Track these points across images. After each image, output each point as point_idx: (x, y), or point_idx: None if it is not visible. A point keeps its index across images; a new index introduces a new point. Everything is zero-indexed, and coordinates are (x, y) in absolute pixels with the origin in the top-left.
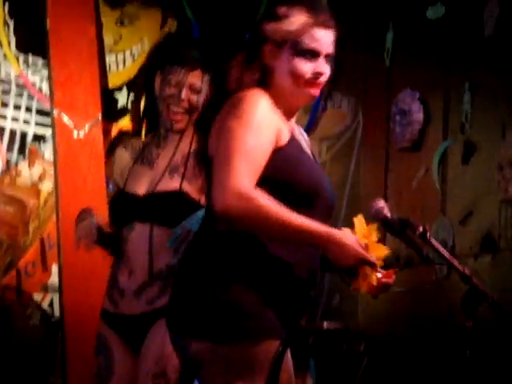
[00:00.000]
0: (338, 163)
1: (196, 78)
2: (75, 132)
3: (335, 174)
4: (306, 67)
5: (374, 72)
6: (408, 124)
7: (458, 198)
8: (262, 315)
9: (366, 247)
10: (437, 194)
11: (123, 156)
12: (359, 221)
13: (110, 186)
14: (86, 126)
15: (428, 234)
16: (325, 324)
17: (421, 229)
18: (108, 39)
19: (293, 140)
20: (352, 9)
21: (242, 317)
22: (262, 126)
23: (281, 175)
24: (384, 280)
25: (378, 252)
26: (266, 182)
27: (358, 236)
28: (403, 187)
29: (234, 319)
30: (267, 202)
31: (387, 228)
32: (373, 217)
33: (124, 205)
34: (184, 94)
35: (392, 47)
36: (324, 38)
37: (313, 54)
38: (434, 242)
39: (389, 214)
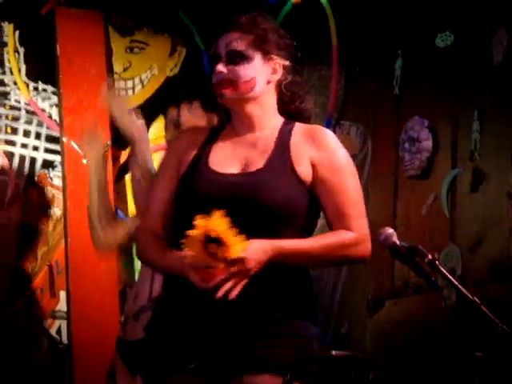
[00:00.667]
0: None
1: (173, 114)
2: (84, 159)
3: None
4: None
5: (383, 99)
6: (417, 151)
7: (466, 225)
8: None
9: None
10: (446, 221)
11: None
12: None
13: (119, 213)
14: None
15: (437, 262)
16: (333, 352)
17: (430, 256)
18: (117, 66)
19: None
20: (361, 36)
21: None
22: None
23: None
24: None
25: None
26: None
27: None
28: (412, 215)
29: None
30: None
31: (396, 255)
32: (381, 244)
33: None
34: (167, 135)
35: (401, 75)
36: (221, 42)
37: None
38: (442, 269)
39: (398, 242)
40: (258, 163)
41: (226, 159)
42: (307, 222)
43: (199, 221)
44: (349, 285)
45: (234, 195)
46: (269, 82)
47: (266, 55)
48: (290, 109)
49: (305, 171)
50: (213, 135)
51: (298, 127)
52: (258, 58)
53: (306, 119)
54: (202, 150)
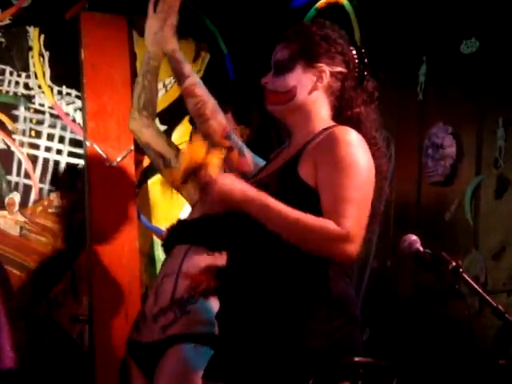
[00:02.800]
0: None
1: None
2: (107, 163)
3: None
4: None
5: (407, 105)
6: (440, 158)
7: (490, 232)
8: None
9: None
10: (469, 228)
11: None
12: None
13: (142, 218)
14: (119, 156)
15: (460, 269)
16: (355, 358)
17: (453, 263)
18: None
19: None
20: (385, 42)
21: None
22: None
23: None
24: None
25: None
26: None
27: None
28: (435, 221)
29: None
30: None
31: (419, 262)
32: (404, 251)
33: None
34: None
35: (425, 81)
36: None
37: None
38: (466, 277)
39: (421, 248)
40: (266, 173)
41: (260, 175)
42: None
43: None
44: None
45: None
46: (313, 90)
47: (310, 63)
48: (345, 115)
49: (306, 171)
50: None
51: (331, 129)
52: (300, 67)
53: (357, 125)
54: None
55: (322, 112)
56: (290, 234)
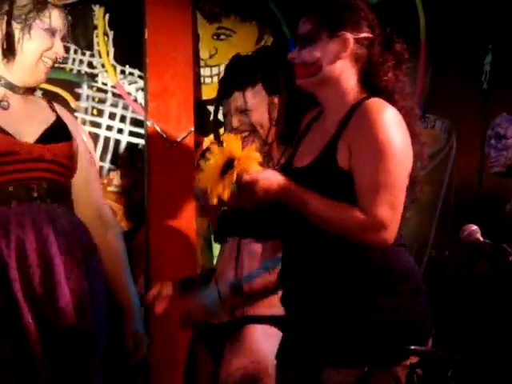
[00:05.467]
0: (428, 185)
1: (239, 100)
2: (167, 143)
3: (425, 196)
4: None
5: (471, 94)
6: (503, 148)
7: None
8: None
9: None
10: None
11: None
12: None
13: (200, 199)
14: (179, 137)
15: None
16: (411, 348)
17: None
18: (203, 52)
19: None
20: (451, 30)
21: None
22: None
23: None
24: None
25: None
26: None
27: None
28: (496, 212)
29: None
30: None
31: (479, 252)
32: (464, 240)
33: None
34: (235, 121)
35: (490, 70)
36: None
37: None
38: None
39: (481, 238)
40: (308, 157)
41: (300, 152)
42: None
43: (214, 147)
44: None
45: None
46: (337, 59)
47: (333, 32)
48: (374, 83)
49: (344, 159)
50: (309, 125)
51: (363, 105)
52: (323, 37)
53: (387, 93)
54: (296, 144)
55: (350, 82)
56: (326, 226)
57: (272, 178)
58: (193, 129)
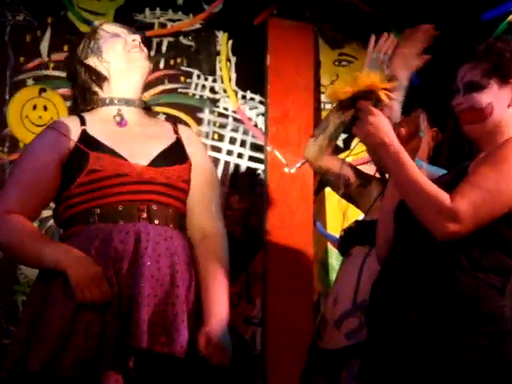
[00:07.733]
0: None
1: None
2: (287, 168)
3: None
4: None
5: None
6: None
7: None
8: None
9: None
10: None
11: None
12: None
13: (318, 225)
14: (298, 162)
15: None
16: None
17: None
18: (324, 79)
19: None
20: None
21: None
22: None
23: None
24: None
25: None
26: None
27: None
28: None
29: None
30: None
31: None
32: None
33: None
34: None
35: None
36: (458, 74)
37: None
38: None
39: None
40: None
41: None
42: None
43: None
44: None
45: None
46: (509, 106)
47: (504, 80)
48: None
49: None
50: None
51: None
52: (494, 84)
53: None
54: None
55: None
56: (407, 193)
57: (388, 126)
58: None
